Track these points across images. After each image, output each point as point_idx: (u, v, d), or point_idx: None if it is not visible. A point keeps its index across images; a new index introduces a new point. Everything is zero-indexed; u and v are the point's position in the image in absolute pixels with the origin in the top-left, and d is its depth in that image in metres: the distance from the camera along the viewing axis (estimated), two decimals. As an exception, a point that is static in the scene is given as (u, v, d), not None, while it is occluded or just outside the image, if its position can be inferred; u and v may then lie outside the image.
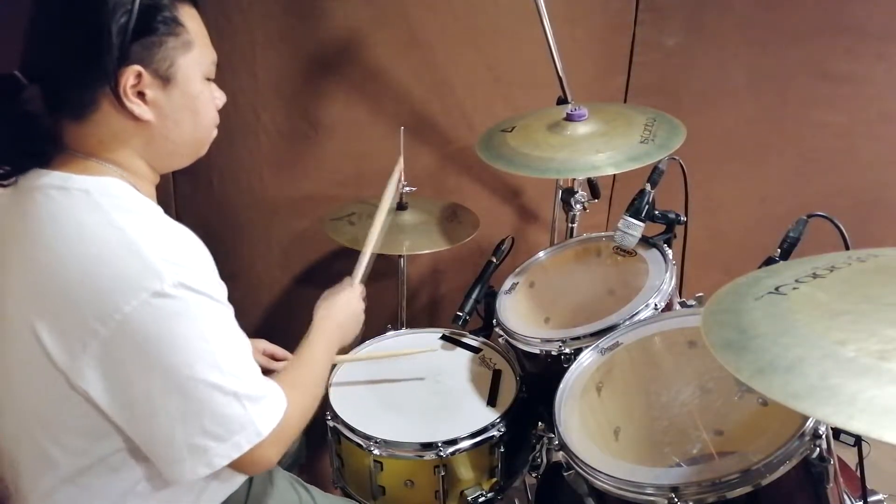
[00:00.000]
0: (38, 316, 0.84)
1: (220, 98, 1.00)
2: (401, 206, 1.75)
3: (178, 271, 0.83)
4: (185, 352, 0.84)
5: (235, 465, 0.91)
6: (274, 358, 1.40)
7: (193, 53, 0.92)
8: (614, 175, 2.04)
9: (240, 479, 1.10)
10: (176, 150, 0.97)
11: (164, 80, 0.90)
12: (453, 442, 1.29)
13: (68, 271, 0.83)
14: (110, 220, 0.85)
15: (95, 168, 0.90)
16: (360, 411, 1.38)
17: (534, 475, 1.42)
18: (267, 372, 1.40)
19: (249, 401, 0.90)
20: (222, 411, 0.87)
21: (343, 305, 1.26)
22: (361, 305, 1.30)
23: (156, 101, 0.90)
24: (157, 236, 0.87)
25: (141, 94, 0.89)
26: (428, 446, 1.29)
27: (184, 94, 0.92)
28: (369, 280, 2.06)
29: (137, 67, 0.86)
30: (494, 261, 1.64)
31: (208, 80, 0.97)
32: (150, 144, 0.93)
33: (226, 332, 0.90)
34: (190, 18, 0.92)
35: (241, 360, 0.91)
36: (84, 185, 0.88)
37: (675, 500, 0.95)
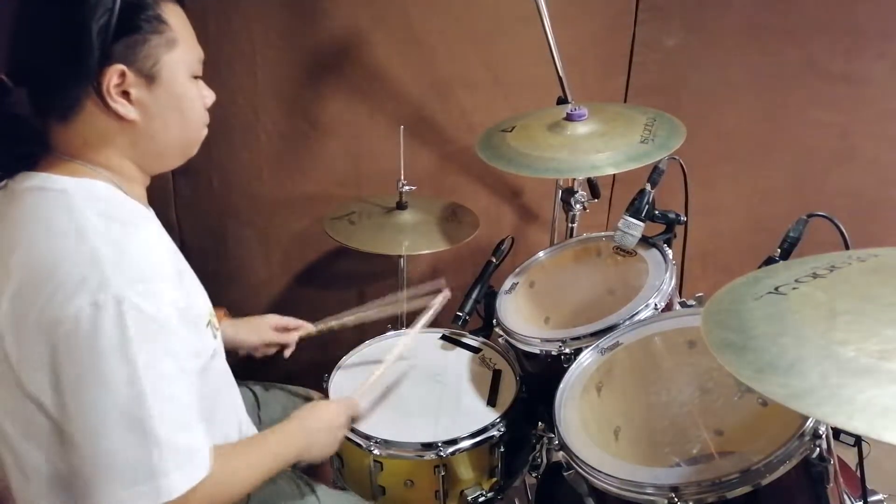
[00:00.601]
0: (3, 316, 0.83)
1: (209, 96, 0.99)
2: (401, 206, 1.75)
3: (128, 286, 0.80)
4: (106, 371, 0.79)
5: None
6: (287, 329, 1.39)
7: (178, 51, 0.91)
8: (614, 175, 2.04)
9: None
10: (164, 150, 0.95)
11: (149, 78, 0.88)
12: (453, 442, 1.29)
13: (29, 269, 0.82)
14: (77, 220, 0.84)
15: (80, 170, 0.89)
16: (359, 411, 1.38)
17: (534, 475, 1.42)
18: (282, 349, 1.38)
19: (161, 448, 0.82)
20: (127, 452, 0.81)
21: (322, 416, 1.17)
22: (341, 423, 1.21)
23: (141, 101, 0.89)
24: (122, 245, 0.84)
25: (125, 94, 0.88)
26: (428, 446, 1.29)
27: (169, 93, 0.91)
28: (368, 280, 2.06)
29: (121, 66, 0.85)
30: (494, 261, 1.64)
31: (196, 77, 0.95)
32: (136, 145, 0.92)
33: (159, 361, 0.83)
34: (174, 16, 0.91)
35: (168, 397, 0.83)
36: (63, 185, 0.87)
37: (675, 500, 0.95)
